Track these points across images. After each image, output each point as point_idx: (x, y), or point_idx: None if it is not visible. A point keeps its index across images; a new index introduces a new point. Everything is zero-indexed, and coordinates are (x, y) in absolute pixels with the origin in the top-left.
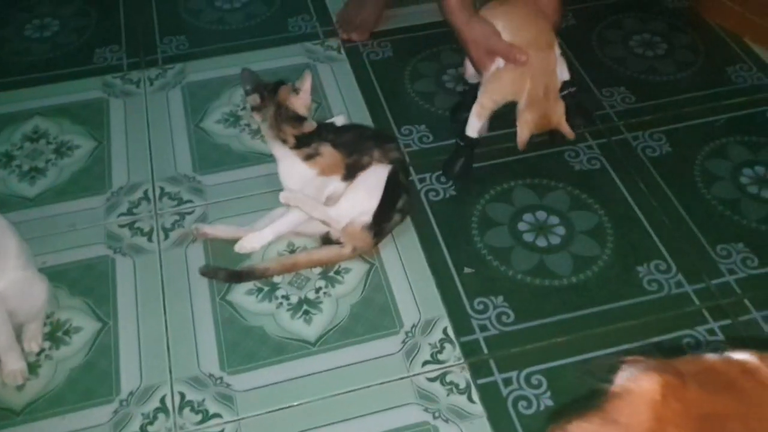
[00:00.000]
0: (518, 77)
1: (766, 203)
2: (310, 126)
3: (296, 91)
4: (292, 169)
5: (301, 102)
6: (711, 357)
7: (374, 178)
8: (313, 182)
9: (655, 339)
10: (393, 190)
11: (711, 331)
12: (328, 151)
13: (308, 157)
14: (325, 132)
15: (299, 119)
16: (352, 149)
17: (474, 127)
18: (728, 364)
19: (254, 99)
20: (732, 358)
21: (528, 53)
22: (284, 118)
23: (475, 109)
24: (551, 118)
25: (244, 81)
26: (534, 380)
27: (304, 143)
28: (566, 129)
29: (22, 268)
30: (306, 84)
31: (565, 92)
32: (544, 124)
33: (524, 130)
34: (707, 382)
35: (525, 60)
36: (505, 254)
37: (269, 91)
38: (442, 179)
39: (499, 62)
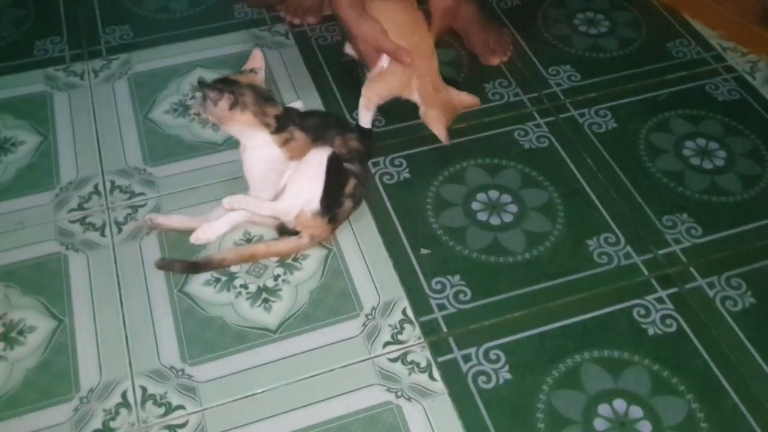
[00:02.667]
0: (404, 76)
1: (708, 174)
2: (279, 107)
3: (254, 71)
4: (265, 157)
5: (260, 79)
6: None
7: (314, 165)
8: (277, 168)
9: (607, 310)
10: (337, 174)
11: (660, 300)
12: (299, 135)
13: (285, 142)
14: (294, 116)
15: (273, 99)
16: (317, 135)
17: (365, 118)
18: None
19: (228, 98)
20: None
21: (411, 55)
22: (264, 99)
23: (362, 101)
24: (454, 105)
25: (210, 90)
26: (492, 355)
27: (281, 127)
28: (468, 100)
29: None
30: (259, 61)
31: None
32: (450, 112)
33: (437, 126)
34: None
35: (410, 61)
36: (460, 234)
37: (229, 84)
38: (396, 162)
39: (385, 59)
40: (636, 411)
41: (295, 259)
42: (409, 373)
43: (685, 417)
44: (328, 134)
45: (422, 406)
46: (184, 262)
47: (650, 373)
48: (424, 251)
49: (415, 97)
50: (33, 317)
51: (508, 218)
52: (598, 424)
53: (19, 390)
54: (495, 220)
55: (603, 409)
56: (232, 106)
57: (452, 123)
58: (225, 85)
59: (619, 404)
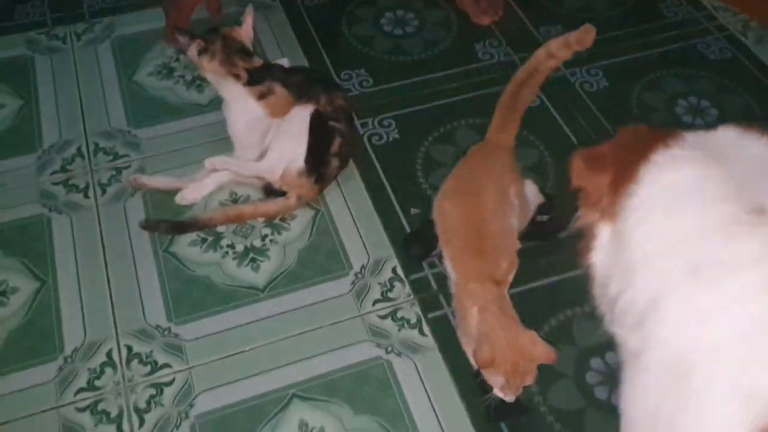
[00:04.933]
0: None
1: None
2: (258, 61)
3: (239, 23)
4: (243, 110)
5: (245, 34)
6: None
7: (296, 123)
8: (260, 126)
9: None
10: (321, 133)
11: None
12: (280, 91)
13: (261, 96)
14: (276, 71)
15: (248, 53)
16: (302, 92)
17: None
18: None
19: (198, 44)
20: None
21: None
22: (234, 50)
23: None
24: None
25: (181, 35)
26: None
27: (256, 80)
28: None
29: None
30: (248, 18)
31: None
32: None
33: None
34: None
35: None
36: None
37: (209, 32)
38: (385, 122)
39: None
40: None
41: (283, 220)
42: (399, 330)
43: None
44: (312, 92)
45: (412, 360)
46: (169, 222)
47: None
48: (414, 211)
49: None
50: (15, 278)
51: None
52: None
53: (2, 350)
54: None
55: None
56: (201, 53)
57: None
58: (207, 33)
59: None
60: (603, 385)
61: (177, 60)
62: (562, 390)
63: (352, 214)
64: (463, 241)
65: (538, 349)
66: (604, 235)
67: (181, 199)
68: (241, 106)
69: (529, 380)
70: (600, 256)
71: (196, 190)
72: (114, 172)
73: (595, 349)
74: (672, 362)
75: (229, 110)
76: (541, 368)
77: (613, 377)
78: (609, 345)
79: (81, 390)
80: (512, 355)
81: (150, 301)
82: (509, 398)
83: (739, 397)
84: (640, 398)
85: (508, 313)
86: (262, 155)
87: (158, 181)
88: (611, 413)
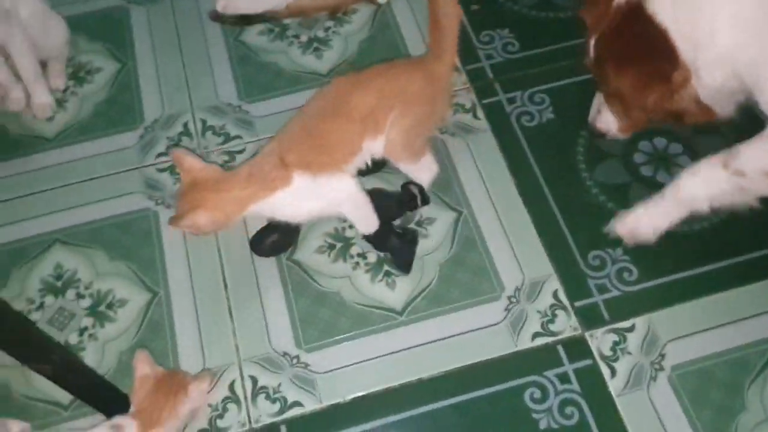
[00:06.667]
0: None
1: None
2: None
3: None
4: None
5: None
6: None
7: None
8: None
9: None
10: None
11: None
12: None
13: None
14: None
15: None
16: None
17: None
18: None
19: None
20: None
21: None
22: None
23: None
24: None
25: None
26: (537, 98)
27: None
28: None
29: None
30: None
31: None
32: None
33: None
34: None
35: None
36: None
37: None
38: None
39: None
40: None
41: (345, 14)
42: (454, 113)
43: None
44: None
45: (465, 141)
46: (236, 14)
47: None
48: (474, 7)
49: None
50: (99, 60)
51: None
52: (637, 158)
53: (89, 120)
54: None
55: (644, 145)
56: None
57: None
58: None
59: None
60: (649, 165)
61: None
62: (608, 167)
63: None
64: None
65: None
66: None
67: None
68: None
69: None
70: None
71: None
72: None
73: (645, 133)
74: None
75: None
76: (590, 148)
77: (659, 158)
78: (657, 131)
79: (160, 155)
80: None
81: (222, 81)
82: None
83: None
84: None
85: None
86: None
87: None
88: (656, 188)
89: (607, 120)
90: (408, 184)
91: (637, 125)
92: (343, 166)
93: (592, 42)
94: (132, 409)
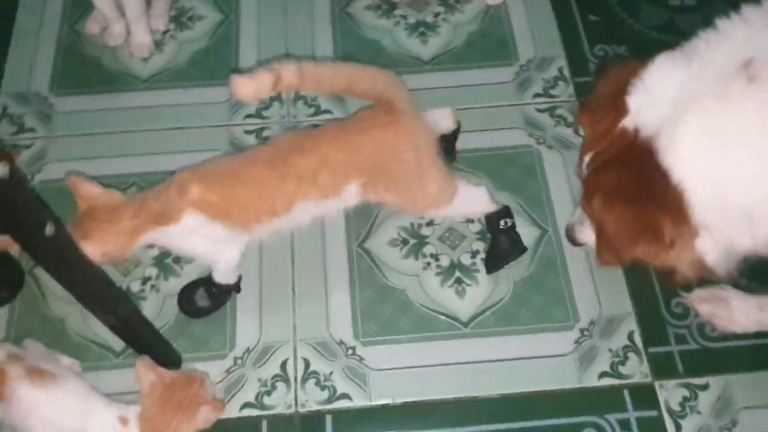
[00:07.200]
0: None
1: None
2: None
3: None
4: None
5: None
6: None
7: None
8: None
9: None
10: None
11: None
12: None
13: None
14: None
15: None
16: None
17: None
18: None
19: None
20: None
21: None
22: None
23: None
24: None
25: None
26: None
27: None
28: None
29: None
30: None
31: None
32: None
33: None
34: None
35: None
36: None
37: None
38: None
39: None
40: None
41: (457, 1)
42: (555, 125)
43: None
44: None
45: (562, 155)
46: None
47: None
48: (592, 18)
49: None
50: (203, 7)
51: None
52: None
53: (184, 67)
54: None
55: None
56: None
57: None
58: None
59: None
60: None
61: None
62: None
63: (526, 6)
64: None
65: None
66: None
67: None
68: None
69: None
70: None
71: None
72: None
73: None
74: None
75: None
76: None
77: None
78: None
79: (248, 116)
80: None
81: (322, 52)
82: None
83: None
84: None
85: None
86: None
87: None
88: None
89: (588, 236)
90: (489, 225)
91: (617, 264)
92: (254, 224)
93: (587, 158)
94: (138, 410)
